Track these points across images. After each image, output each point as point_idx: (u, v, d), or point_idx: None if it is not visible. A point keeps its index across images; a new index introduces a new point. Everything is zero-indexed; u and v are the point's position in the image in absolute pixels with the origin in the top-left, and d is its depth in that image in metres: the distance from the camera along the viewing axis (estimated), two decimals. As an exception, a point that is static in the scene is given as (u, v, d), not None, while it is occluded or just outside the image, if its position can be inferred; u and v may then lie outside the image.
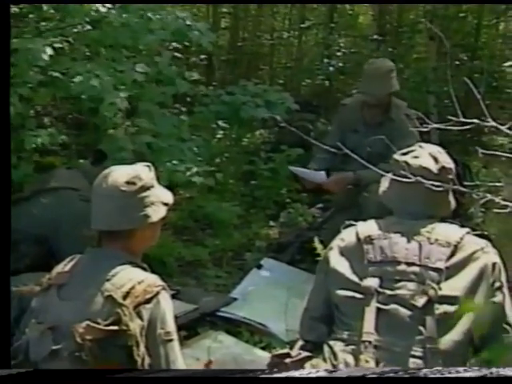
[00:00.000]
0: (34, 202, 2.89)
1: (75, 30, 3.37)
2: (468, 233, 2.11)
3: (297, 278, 3.61)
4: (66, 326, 1.86)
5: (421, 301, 1.96)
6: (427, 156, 2.22)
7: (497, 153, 3.14)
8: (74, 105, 4.10)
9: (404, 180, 2.24)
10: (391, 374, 1.54)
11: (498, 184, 3.60)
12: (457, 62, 5.76)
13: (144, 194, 2.02)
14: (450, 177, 2.20)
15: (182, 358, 1.97)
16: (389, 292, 2.01)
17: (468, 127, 2.14)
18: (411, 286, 2.00)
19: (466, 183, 2.41)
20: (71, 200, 2.91)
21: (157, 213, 2.05)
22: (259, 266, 3.75)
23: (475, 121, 2.16)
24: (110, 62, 3.21)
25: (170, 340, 1.94)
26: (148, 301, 1.91)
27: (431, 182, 2.25)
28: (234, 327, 3.18)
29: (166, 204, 2.09)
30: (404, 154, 2.26)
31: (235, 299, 3.40)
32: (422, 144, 2.32)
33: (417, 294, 1.98)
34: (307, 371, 1.76)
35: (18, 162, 3.04)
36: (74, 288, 1.95)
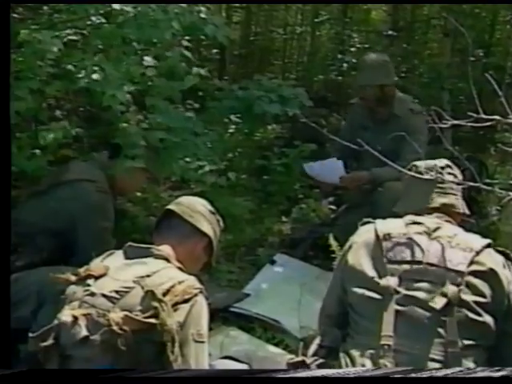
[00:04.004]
0: (50, 195, 2.86)
1: (88, 23, 3.34)
2: (490, 245, 2.08)
3: (310, 274, 3.59)
4: (101, 315, 1.87)
5: (440, 303, 1.92)
6: None
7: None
8: (85, 98, 4.08)
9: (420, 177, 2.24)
10: (412, 375, 1.52)
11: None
12: (471, 59, 5.71)
13: None
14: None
15: (207, 361, 1.98)
16: (407, 292, 1.97)
17: (489, 124, 2.11)
18: (431, 287, 1.96)
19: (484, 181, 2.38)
20: (88, 192, 2.88)
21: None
22: (273, 262, 3.73)
23: (496, 117, 2.14)
24: (120, 55, 3.19)
25: (202, 342, 1.94)
26: (186, 301, 1.92)
27: (451, 180, 2.25)
28: (247, 323, 3.16)
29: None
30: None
31: (248, 295, 3.38)
32: None
33: (436, 295, 1.94)
34: (331, 371, 1.74)
35: (32, 155, 3.02)
36: (111, 280, 1.96)
